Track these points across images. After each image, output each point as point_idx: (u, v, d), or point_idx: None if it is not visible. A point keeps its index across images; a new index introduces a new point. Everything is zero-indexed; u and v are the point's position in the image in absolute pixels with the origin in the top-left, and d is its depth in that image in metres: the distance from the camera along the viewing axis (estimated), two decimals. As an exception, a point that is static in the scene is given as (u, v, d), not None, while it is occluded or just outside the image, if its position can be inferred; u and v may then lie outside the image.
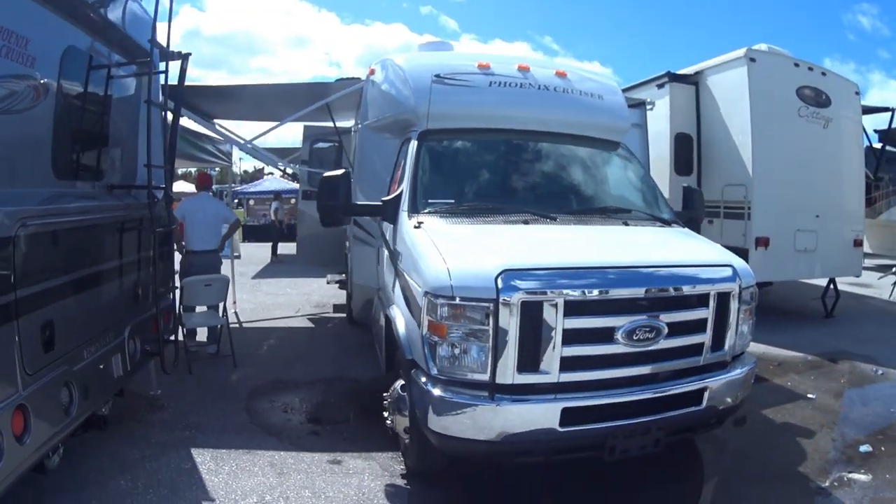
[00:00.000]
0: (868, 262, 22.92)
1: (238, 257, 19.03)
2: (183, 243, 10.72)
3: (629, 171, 8.04)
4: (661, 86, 14.85)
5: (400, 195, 6.68)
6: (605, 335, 5.26)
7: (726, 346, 5.92)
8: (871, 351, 11.77)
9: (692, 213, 7.86)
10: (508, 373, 5.09)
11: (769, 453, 7.39)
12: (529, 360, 5.12)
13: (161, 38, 6.81)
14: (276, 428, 7.49)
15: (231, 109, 14.12)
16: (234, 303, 13.59)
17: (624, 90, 15.51)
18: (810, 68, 13.84)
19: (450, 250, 5.47)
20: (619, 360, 5.35)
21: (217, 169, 26.08)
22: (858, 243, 14.80)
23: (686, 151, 14.67)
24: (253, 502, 5.72)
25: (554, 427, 5.10)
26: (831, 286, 15.27)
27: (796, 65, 13.70)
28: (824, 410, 8.71)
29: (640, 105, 12.48)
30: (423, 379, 5.33)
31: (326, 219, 6.77)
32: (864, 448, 7.35)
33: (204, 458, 6.54)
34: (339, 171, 6.87)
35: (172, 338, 8.11)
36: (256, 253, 25.63)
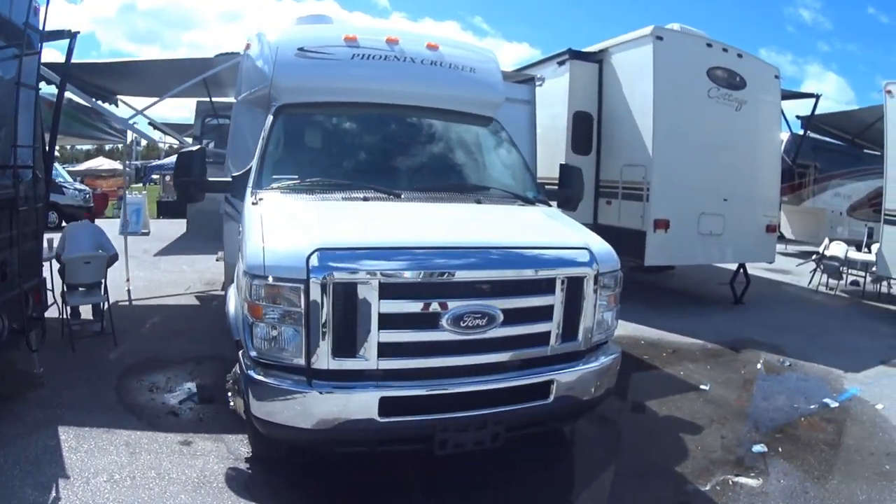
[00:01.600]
0: (791, 249, 23.55)
1: (147, 233, 18.82)
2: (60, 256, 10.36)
3: (498, 147, 7.76)
4: (561, 63, 14.45)
5: (249, 171, 6.45)
6: (429, 320, 4.91)
7: (580, 336, 5.55)
8: (780, 340, 11.37)
9: (568, 191, 7.53)
10: (324, 358, 4.80)
11: (646, 449, 6.92)
12: (346, 344, 4.83)
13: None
14: (138, 407, 7.41)
15: (131, 86, 13.87)
16: (128, 280, 13.52)
17: (525, 67, 15.54)
18: (725, 49, 13.35)
19: (273, 228, 5.22)
20: (446, 347, 5.00)
21: (142, 144, 25.13)
22: (772, 229, 14.44)
23: (585, 130, 14.36)
24: (102, 481, 5.64)
25: (373, 417, 4.81)
26: (741, 271, 14.98)
27: (709, 45, 13.25)
28: (717, 404, 8.21)
29: (529, 81, 11.99)
30: (246, 362, 5.07)
31: (182, 194, 6.70)
32: (758, 448, 6.86)
33: (68, 436, 6.48)
34: (195, 147, 6.75)
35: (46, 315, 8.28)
36: (167, 229, 24.66)
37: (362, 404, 4.81)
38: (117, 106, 14.56)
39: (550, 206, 6.98)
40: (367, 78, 7.25)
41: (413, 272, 4.89)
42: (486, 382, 5.10)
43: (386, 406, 4.81)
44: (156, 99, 13.32)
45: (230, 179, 6.62)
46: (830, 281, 16.83)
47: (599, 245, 5.79)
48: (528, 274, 5.25)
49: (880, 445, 7.04)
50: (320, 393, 4.76)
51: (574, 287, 5.42)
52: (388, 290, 4.80)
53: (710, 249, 13.66)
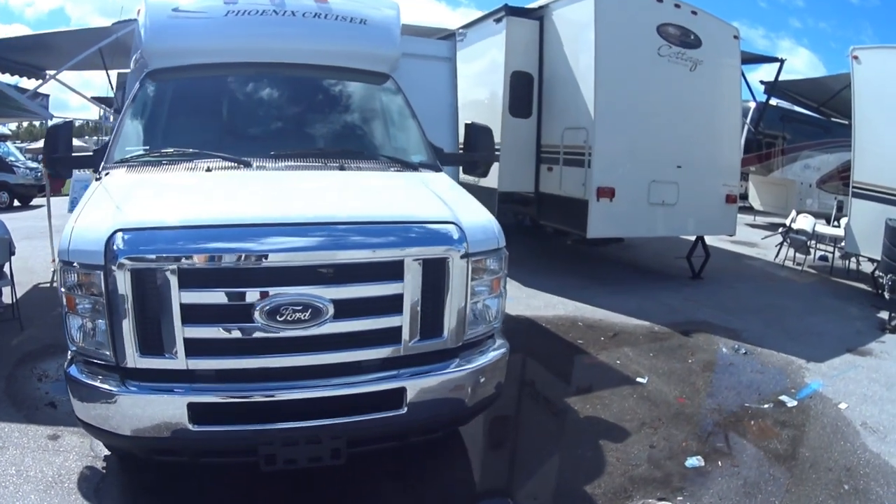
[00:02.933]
0: (760, 220, 23.00)
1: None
2: None
3: (387, 107, 7.06)
4: (498, 20, 13.37)
5: (108, 144, 6.00)
6: (239, 313, 4.20)
7: (446, 331, 4.66)
8: (738, 323, 10.19)
9: (473, 155, 6.83)
10: (131, 355, 4.22)
11: (553, 461, 5.85)
12: (152, 340, 4.23)
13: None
14: (21, 397, 6.94)
15: (54, 60, 13.51)
16: (53, 261, 12.54)
17: (464, 27, 14.79)
18: (677, 5, 12.08)
19: (90, 207, 4.68)
20: (262, 346, 4.30)
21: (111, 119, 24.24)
22: (732, 199, 13.16)
23: (524, 91, 13.33)
24: (-37, 478, 5.18)
25: (185, 425, 4.20)
26: (699, 245, 13.71)
27: (659, 0, 12.03)
28: (653, 401, 7.01)
29: (449, 37, 11.22)
30: (69, 357, 4.59)
31: (52, 171, 6.51)
32: (692, 462, 5.70)
33: (-51, 431, 6.04)
34: (61, 121, 6.52)
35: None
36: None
37: (171, 410, 4.22)
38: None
39: (440, 171, 6.16)
40: (240, 36, 6.67)
41: (215, 255, 4.18)
42: (318, 389, 4.40)
43: (198, 413, 4.20)
44: (54, 72, 13.57)
45: (91, 154, 6.20)
46: (797, 256, 15.64)
47: (475, 219, 4.93)
48: (364, 255, 4.41)
49: (840, 458, 5.85)
50: (129, 395, 4.22)
51: (434, 271, 4.56)
52: (190, 277, 4.15)
53: (662, 220, 12.44)
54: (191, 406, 4.17)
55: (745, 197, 25.74)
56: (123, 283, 4.08)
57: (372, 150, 6.33)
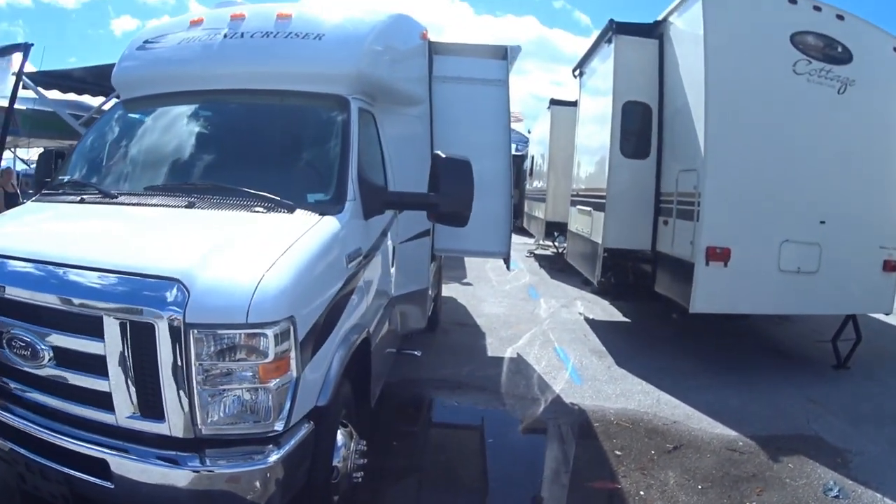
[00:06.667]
0: None
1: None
2: None
3: (315, 135, 6.32)
4: (608, 41, 11.51)
5: None
6: None
7: (167, 416, 3.88)
8: (858, 441, 7.35)
9: (431, 198, 5.68)
10: None
11: None
12: None
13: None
14: None
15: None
16: None
17: (586, 54, 13.85)
18: (817, 7, 9.51)
19: None
20: (7, 371, 4.31)
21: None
22: (891, 266, 9.99)
23: (640, 126, 11.18)
24: None
25: None
26: (850, 324, 10.53)
27: (793, 1, 9.45)
28: None
29: (500, 55, 9.19)
30: None
31: None
32: None
33: None
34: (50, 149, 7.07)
35: None
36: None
37: None
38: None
39: (329, 216, 5.13)
40: (189, 63, 6.45)
41: None
42: (42, 429, 4.16)
43: None
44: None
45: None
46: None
47: (228, 281, 3.94)
48: (72, 304, 4.04)
49: None
50: None
51: (143, 337, 3.85)
52: None
53: (797, 294, 9.60)
54: None
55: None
56: None
57: (249, 186, 5.31)
